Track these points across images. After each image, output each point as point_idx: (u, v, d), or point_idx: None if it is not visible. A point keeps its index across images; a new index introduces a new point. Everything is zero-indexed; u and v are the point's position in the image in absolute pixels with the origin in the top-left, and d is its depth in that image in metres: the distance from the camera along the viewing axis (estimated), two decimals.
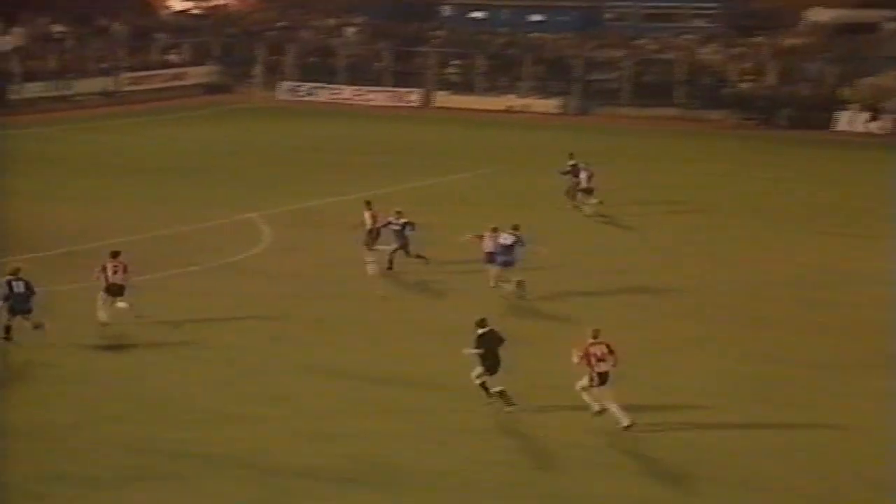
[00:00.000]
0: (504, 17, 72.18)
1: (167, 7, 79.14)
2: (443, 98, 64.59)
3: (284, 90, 66.97)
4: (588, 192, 36.53)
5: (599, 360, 19.92)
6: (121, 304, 24.97)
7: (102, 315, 24.91)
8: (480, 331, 20.62)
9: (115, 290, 24.98)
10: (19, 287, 23.70)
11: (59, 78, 61.77)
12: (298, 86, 66.95)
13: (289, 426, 20.22)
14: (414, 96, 65.03)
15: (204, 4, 79.77)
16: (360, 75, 66.77)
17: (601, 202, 36.49)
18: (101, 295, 24.93)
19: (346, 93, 66.03)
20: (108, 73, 64.39)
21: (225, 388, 21.96)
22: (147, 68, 66.75)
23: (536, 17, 71.81)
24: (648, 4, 69.92)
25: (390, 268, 29.61)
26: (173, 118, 59.10)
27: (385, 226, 29.56)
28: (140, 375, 22.68)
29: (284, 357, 23.71)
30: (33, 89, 60.21)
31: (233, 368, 23.03)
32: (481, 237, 28.11)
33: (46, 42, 66.58)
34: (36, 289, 23.88)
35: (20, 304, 23.67)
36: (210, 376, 22.64)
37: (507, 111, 61.87)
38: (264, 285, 28.83)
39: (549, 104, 62.64)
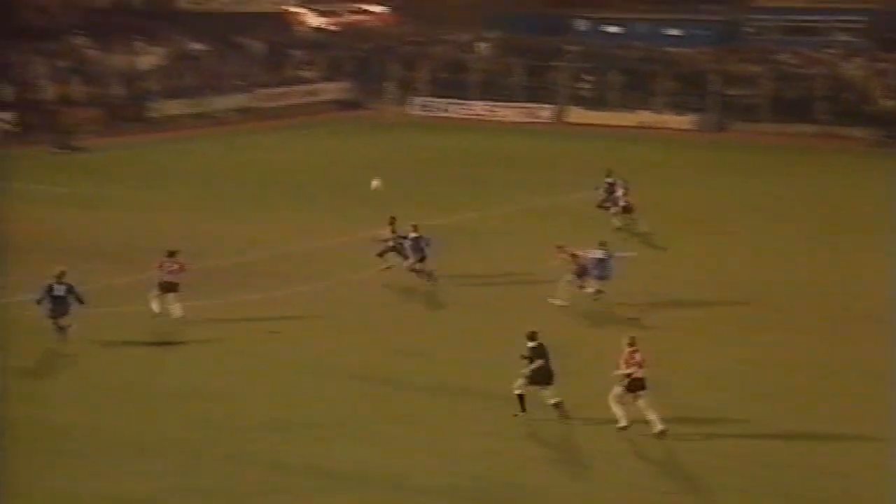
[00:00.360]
0: (640, 31, 72.50)
1: (303, 23, 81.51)
2: (575, 113, 65.29)
3: (417, 105, 68.48)
4: (627, 209, 37.12)
5: (638, 366, 20.87)
6: (156, 308, 26.85)
7: (154, 306, 26.92)
8: (532, 344, 21.34)
9: (167, 287, 26.84)
10: (60, 290, 25.07)
11: (198, 95, 64.29)
12: (430, 101, 68.38)
13: (411, 443, 20.87)
14: (546, 112, 65.88)
15: (339, 20, 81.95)
16: (492, 90, 67.87)
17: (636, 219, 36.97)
18: (154, 290, 26.94)
19: (478, 108, 67.19)
20: (244, 89, 66.81)
21: (344, 404, 22.71)
22: (282, 85, 68.99)
23: (674, 32, 71.94)
24: (790, 18, 69.50)
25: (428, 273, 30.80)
26: (307, 134, 60.88)
27: (403, 238, 30.85)
28: (252, 390, 23.47)
29: (406, 375, 24.33)
30: (172, 106, 62.78)
31: (352, 383, 23.78)
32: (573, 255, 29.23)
33: (185, 60, 69.30)
34: (79, 292, 25.27)
35: (58, 307, 25.06)
36: (326, 392, 23.37)
37: (641, 127, 62.27)
38: (392, 302, 29.81)
39: (685, 120, 62.84)
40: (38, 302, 25.12)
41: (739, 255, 35.41)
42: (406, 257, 31.01)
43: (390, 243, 31.32)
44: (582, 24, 74.50)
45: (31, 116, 56.63)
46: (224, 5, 79.89)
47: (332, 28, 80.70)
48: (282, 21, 79.76)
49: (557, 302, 28.63)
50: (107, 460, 20.02)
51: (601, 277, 29.03)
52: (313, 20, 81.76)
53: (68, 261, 27.11)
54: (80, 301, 25.31)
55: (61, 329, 25.28)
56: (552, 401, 21.41)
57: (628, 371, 20.87)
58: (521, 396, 21.40)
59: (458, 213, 40.00)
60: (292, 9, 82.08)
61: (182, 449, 20.56)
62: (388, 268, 31.29)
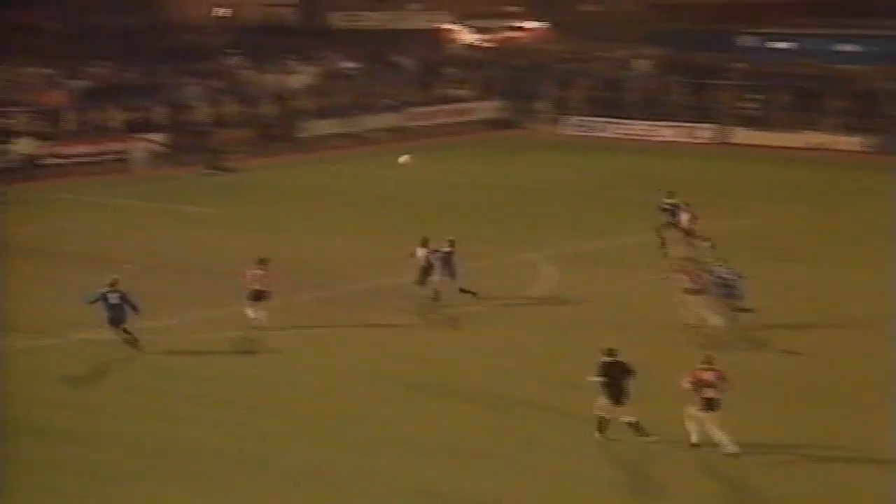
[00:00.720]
0: (811, 47, 71.34)
1: (457, 41, 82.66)
2: (738, 134, 64.66)
3: (571, 125, 68.69)
4: (690, 233, 36.60)
5: (708, 385, 21.18)
6: (253, 314, 28.18)
7: (250, 312, 28.21)
8: (607, 359, 21.79)
9: (255, 295, 28.15)
10: (114, 299, 26.63)
11: (348, 114, 65.57)
12: (586, 120, 68.49)
13: (535, 468, 21.39)
14: (707, 132, 65.41)
15: (493, 37, 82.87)
16: (650, 109, 67.68)
17: (713, 245, 35.76)
18: (246, 299, 28.28)
19: (636, 128, 67.02)
20: (395, 108, 67.97)
21: (475, 429, 23.30)
22: (434, 103, 69.90)
23: (847, 48, 70.64)
24: None
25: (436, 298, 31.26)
26: (458, 154, 61.47)
27: (433, 252, 31.08)
28: (393, 416, 24.12)
29: (543, 403, 24.60)
30: (323, 126, 64.26)
31: (488, 411, 24.25)
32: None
33: (337, 78, 70.95)
34: (136, 302, 26.74)
35: (115, 314, 26.60)
36: (458, 418, 23.97)
37: (808, 148, 61.31)
38: (537, 331, 29.87)
39: (856, 141, 61.66)
40: (90, 303, 26.73)
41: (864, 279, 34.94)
42: (435, 273, 31.24)
43: (423, 263, 31.50)
44: (747, 40, 73.70)
45: (184, 138, 58.81)
46: (378, 23, 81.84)
47: (487, 45, 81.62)
48: (435, 38, 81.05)
49: (716, 325, 28.80)
50: (271, 489, 20.67)
51: (729, 297, 28.99)
52: (467, 37, 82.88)
53: (215, 283, 28.16)
54: (134, 308, 26.84)
55: (129, 339, 26.80)
56: (601, 412, 21.90)
57: (686, 387, 21.33)
58: (634, 423, 21.81)
59: (613, 238, 40.13)
60: (446, 26, 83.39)
61: (319, 474, 21.22)
62: (431, 290, 31.37)
